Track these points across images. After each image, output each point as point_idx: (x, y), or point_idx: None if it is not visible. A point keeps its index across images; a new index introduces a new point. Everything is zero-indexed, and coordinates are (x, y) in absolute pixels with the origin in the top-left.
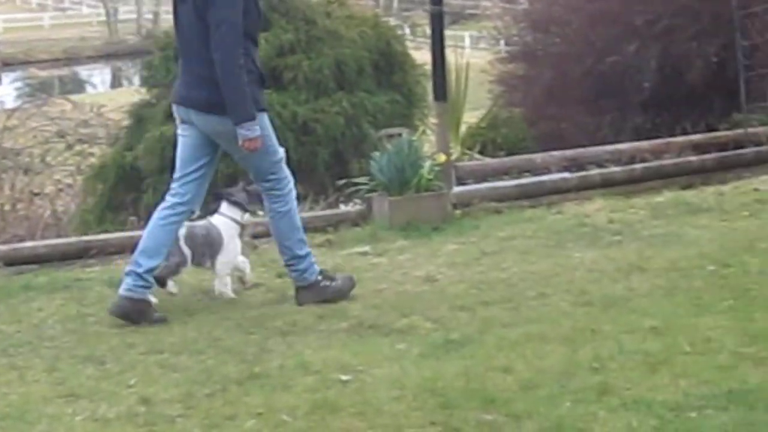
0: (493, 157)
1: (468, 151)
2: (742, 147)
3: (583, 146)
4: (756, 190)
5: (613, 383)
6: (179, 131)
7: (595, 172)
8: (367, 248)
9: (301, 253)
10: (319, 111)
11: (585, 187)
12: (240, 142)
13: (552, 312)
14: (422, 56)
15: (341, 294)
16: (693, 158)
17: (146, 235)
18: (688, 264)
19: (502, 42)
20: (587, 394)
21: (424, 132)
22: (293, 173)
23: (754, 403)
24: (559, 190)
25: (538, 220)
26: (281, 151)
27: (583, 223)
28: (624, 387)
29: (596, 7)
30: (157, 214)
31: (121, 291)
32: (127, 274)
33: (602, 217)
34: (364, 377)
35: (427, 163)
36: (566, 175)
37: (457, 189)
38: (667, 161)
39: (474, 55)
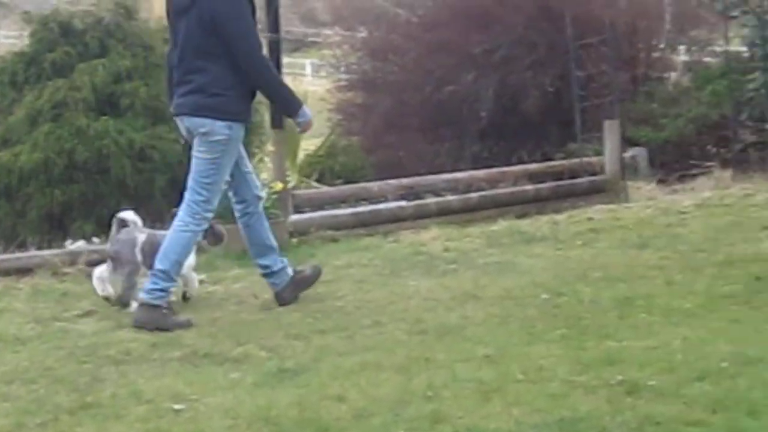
0: (330, 185)
1: (306, 179)
2: (577, 176)
3: (421, 174)
4: (590, 219)
5: (447, 411)
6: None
7: (431, 200)
8: (202, 276)
9: (173, 275)
10: (156, 138)
11: (421, 216)
12: (299, 130)
13: (387, 340)
14: None
15: (175, 327)
16: (528, 187)
17: (250, 242)
18: (522, 293)
19: (342, 70)
20: (421, 422)
21: (261, 159)
22: (130, 199)
23: (584, 430)
24: (396, 219)
25: (374, 248)
26: (222, 183)
27: (419, 252)
28: (457, 415)
29: (434, 36)
30: (240, 222)
31: (273, 288)
32: (265, 276)
33: (438, 245)
34: (198, 406)
35: (264, 192)
36: (403, 203)
37: (294, 217)
38: (503, 190)
39: (315, 82)
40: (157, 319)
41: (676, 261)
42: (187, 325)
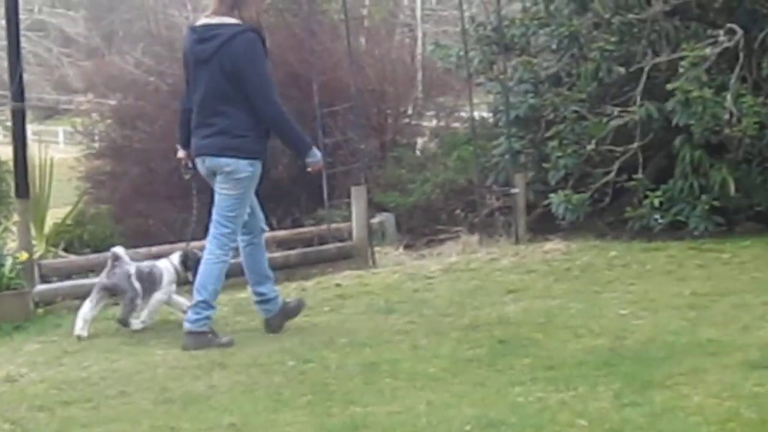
0: (79, 254)
1: (53, 249)
2: (325, 242)
3: (170, 242)
4: (338, 285)
5: None
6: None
7: None
8: None
9: (213, 303)
10: None
11: None
12: (310, 170)
13: (132, 411)
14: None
15: (226, 345)
16: (277, 254)
17: (249, 270)
18: (269, 360)
19: (93, 138)
20: None
21: (6, 229)
22: None
23: None
24: None
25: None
26: (246, 214)
27: (167, 320)
28: None
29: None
30: (243, 252)
31: (263, 314)
32: (256, 303)
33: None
34: None
35: (9, 261)
36: None
37: (39, 287)
38: None
39: (67, 150)
40: (205, 342)
41: (422, 325)
42: (229, 344)
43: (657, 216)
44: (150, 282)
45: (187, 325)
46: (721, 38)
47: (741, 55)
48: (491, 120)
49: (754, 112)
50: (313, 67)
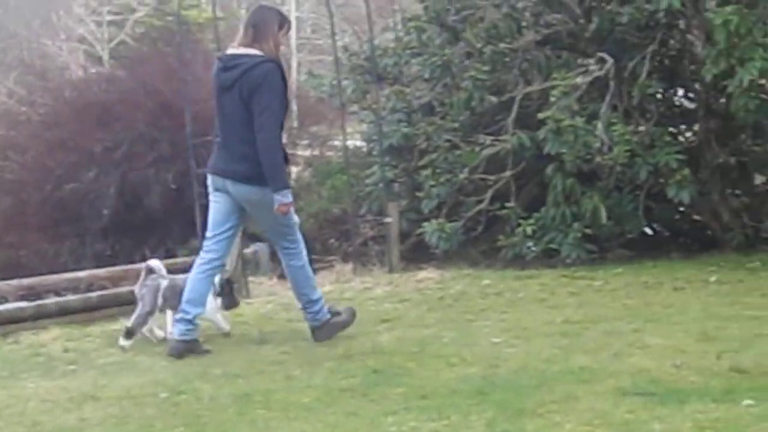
0: None
1: None
2: None
3: (42, 274)
4: None
5: None
6: (212, 198)
7: (51, 300)
8: None
9: (314, 297)
10: None
11: (41, 316)
12: (276, 206)
13: None
14: None
15: (348, 324)
16: None
17: (189, 288)
18: (141, 392)
19: None
20: None
21: None
22: None
23: None
24: (16, 320)
25: None
26: (296, 218)
27: (39, 353)
28: None
29: (54, 134)
30: (196, 269)
31: (176, 335)
32: (178, 321)
33: (58, 346)
34: None
35: None
36: (23, 304)
37: None
38: (125, 288)
39: None
40: (330, 330)
41: (295, 356)
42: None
43: (529, 244)
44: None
45: (311, 323)
46: (592, 67)
47: (611, 83)
48: (364, 149)
49: (624, 141)
50: (186, 97)
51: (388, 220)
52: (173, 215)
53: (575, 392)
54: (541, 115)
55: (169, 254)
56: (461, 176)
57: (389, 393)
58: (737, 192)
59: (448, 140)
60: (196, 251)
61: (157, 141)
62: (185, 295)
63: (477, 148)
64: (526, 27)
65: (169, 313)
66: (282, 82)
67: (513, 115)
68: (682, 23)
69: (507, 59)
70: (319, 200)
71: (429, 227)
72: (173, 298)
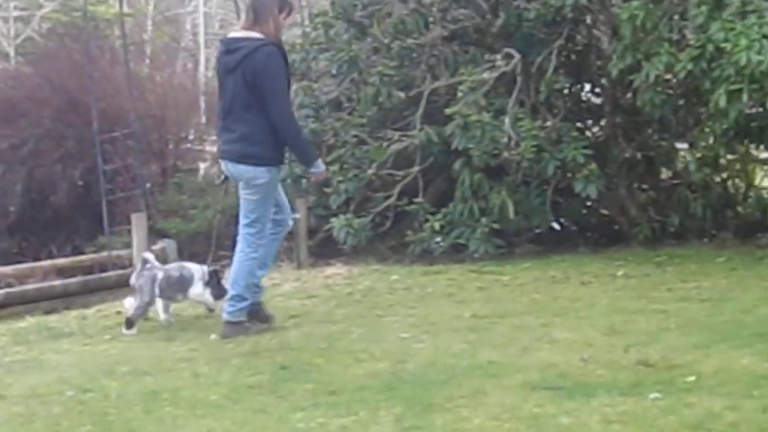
0: None
1: None
2: (105, 270)
3: None
4: (119, 312)
5: None
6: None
7: None
8: None
9: (246, 295)
10: None
11: None
12: (313, 178)
13: None
14: None
15: (261, 331)
16: (56, 282)
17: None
18: (47, 390)
19: None
20: None
21: None
22: None
23: None
24: None
25: None
26: (272, 212)
27: None
28: None
29: None
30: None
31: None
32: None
33: None
34: None
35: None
36: None
37: None
38: (31, 286)
39: None
40: (242, 330)
41: (203, 353)
42: (264, 330)
43: (438, 239)
44: (180, 283)
45: (225, 316)
46: (499, 63)
47: (519, 79)
48: None
49: (531, 136)
50: (92, 93)
51: (295, 216)
52: (81, 212)
53: (483, 387)
54: (448, 111)
55: (76, 251)
56: (369, 172)
57: (297, 389)
58: (644, 186)
59: (356, 136)
60: (103, 247)
61: (64, 137)
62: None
63: (385, 144)
64: (433, 22)
65: (159, 301)
66: (284, 63)
67: (420, 110)
68: (588, 18)
69: (414, 55)
70: (226, 196)
71: (337, 223)
72: (168, 288)
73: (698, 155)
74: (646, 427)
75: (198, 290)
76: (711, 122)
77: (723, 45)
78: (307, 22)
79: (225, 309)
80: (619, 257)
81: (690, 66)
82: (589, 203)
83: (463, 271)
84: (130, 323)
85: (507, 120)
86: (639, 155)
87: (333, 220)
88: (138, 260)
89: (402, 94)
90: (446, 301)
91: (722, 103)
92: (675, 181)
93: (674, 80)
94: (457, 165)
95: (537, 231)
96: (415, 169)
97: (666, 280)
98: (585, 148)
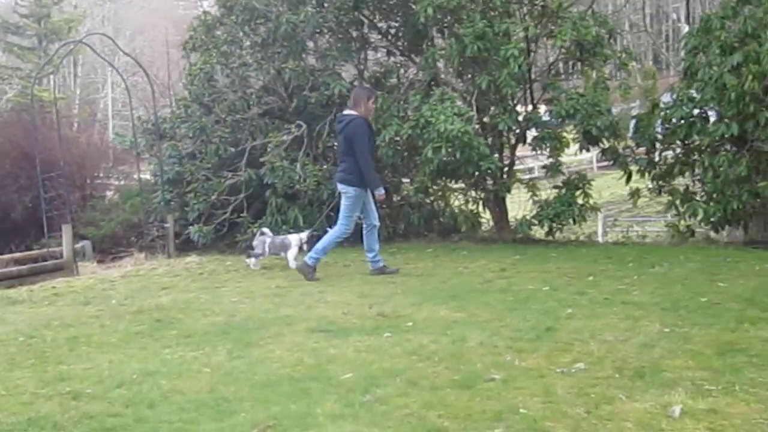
0: None
1: None
2: (47, 260)
3: None
4: (53, 288)
5: None
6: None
7: None
8: None
9: (321, 256)
10: None
11: None
12: (377, 197)
13: None
14: None
15: (312, 279)
16: (14, 268)
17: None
18: (6, 337)
19: None
20: None
21: None
22: None
23: (44, 425)
24: None
25: None
26: (359, 214)
27: None
28: None
29: None
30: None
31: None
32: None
33: None
34: None
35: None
36: None
37: None
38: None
39: None
40: (309, 272)
41: (107, 312)
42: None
43: None
44: (281, 246)
45: (308, 260)
46: (293, 130)
47: (305, 140)
48: (152, 180)
49: (313, 175)
50: (37, 148)
51: (167, 225)
52: (30, 224)
53: (282, 331)
54: (262, 159)
55: (27, 248)
56: (213, 197)
57: (166, 334)
58: (383, 206)
59: (204, 175)
60: (44, 246)
61: (19, 177)
62: (366, 246)
63: (223, 180)
64: (253, 104)
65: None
66: (368, 130)
67: (245, 159)
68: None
69: (241, 124)
70: (123, 213)
71: (193, 229)
72: (273, 248)
73: (416, 186)
74: (381, 353)
75: (290, 253)
76: (423, 166)
77: (430, 119)
78: (173, 103)
79: (309, 256)
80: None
81: (410, 131)
82: None
83: (272, 258)
84: (249, 256)
85: (298, 165)
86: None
87: (190, 227)
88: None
89: (233, 149)
90: (261, 278)
91: (429, 154)
92: (401, 202)
93: (400, 140)
94: (267, 193)
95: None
96: (242, 195)
97: (396, 263)
98: None
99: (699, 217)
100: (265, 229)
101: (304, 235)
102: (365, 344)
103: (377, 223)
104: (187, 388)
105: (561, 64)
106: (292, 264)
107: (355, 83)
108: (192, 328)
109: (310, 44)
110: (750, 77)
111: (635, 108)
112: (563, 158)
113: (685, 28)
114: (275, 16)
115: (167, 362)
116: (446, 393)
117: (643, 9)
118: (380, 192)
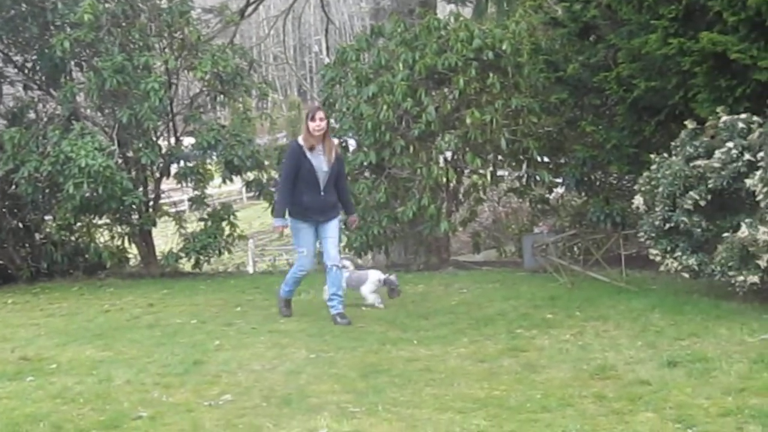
0: None
1: None
2: None
3: None
4: None
5: None
6: None
7: None
8: None
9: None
10: None
11: None
12: (349, 221)
13: None
14: None
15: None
16: None
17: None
18: None
19: None
20: None
21: None
22: None
23: None
24: None
25: None
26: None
27: None
28: None
29: None
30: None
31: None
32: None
33: None
34: None
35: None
36: None
37: None
38: None
39: None
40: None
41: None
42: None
43: None
44: (357, 281)
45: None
46: None
47: None
48: None
49: None
50: None
51: None
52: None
53: None
54: None
55: None
56: None
57: None
58: (25, 245)
59: None
60: None
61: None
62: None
63: None
64: None
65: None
66: (297, 154)
67: None
68: None
69: None
70: None
71: None
72: (351, 282)
73: (58, 223)
74: (24, 398)
75: (365, 289)
76: (65, 202)
77: (70, 154)
78: None
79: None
80: (10, 291)
81: (50, 168)
82: None
83: None
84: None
85: None
86: (21, 225)
87: None
88: None
89: None
90: None
91: (71, 190)
92: (44, 240)
93: (41, 176)
94: None
95: None
96: None
97: (40, 304)
98: None
99: (342, 244)
100: (347, 262)
101: (381, 274)
102: (7, 390)
103: (328, 263)
104: None
105: (206, 97)
106: (369, 301)
107: None
108: None
109: None
110: (385, 107)
111: (282, 138)
112: (211, 190)
113: (326, 60)
114: None
115: None
116: None
117: (283, 42)
118: (275, 224)
